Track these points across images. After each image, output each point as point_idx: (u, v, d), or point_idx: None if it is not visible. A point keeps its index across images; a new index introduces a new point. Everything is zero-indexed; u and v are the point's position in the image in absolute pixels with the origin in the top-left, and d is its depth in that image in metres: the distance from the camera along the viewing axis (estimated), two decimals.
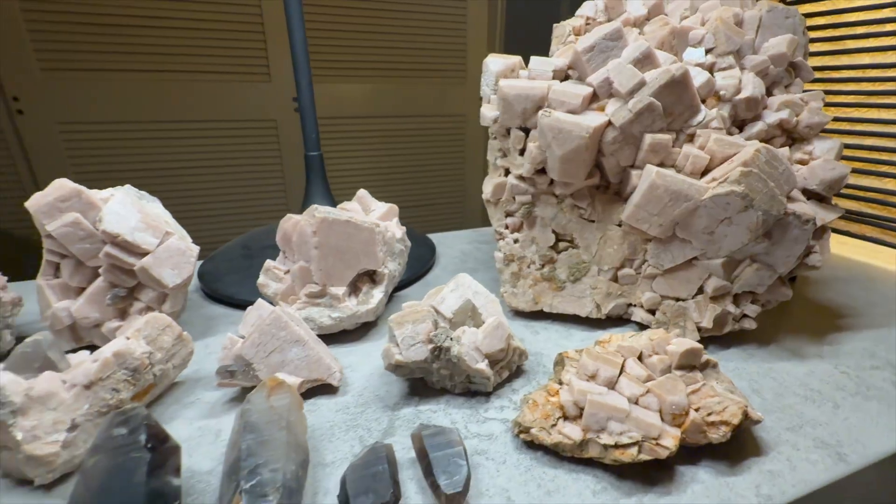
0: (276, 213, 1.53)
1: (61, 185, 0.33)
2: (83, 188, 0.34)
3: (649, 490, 0.24)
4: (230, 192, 1.46)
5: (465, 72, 1.70)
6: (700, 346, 0.29)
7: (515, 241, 0.42)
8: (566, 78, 0.40)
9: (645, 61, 0.36)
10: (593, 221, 0.40)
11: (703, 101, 0.37)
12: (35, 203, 0.32)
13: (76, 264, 0.35)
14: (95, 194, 0.34)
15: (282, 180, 1.54)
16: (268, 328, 0.31)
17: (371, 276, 0.40)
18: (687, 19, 0.41)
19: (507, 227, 0.43)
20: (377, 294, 0.39)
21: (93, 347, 0.36)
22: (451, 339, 0.30)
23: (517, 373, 0.34)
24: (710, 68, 0.38)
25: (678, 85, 0.35)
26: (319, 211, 0.37)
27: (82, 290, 0.36)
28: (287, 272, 0.39)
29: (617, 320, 0.42)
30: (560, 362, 0.31)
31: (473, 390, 0.32)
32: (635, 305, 0.40)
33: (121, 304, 0.36)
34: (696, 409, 0.26)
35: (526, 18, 2.18)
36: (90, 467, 0.20)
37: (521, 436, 0.27)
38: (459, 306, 0.32)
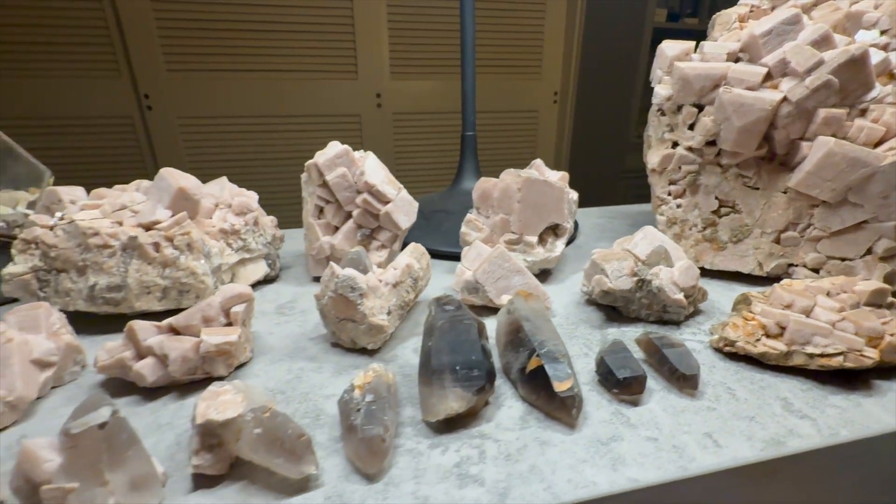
0: None
1: (336, 146, 0.43)
2: (349, 148, 0.44)
3: (852, 392, 0.29)
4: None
5: (540, 68, 1.73)
6: (887, 286, 0.33)
7: (678, 206, 0.48)
8: (737, 60, 0.45)
9: (822, 42, 0.41)
10: (757, 189, 0.45)
11: (877, 79, 0.41)
12: (319, 159, 0.43)
13: (337, 208, 0.45)
14: (354, 154, 0.44)
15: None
16: (496, 260, 0.40)
17: (554, 230, 0.47)
18: (857, 4, 0.44)
19: (669, 194, 0.48)
20: (559, 245, 0.46)
21: None
22: (652, 274, 0.37)
23: (696, 312, 0.40)
24: (884, 48, 0.42)
25: (856, 64, 0.39)
26: (523, 172, 0.44)
27: (336, 229, 0.46)
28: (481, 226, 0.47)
29: (775, 279, 0.46)
30: (744, 300, 0.36)
31: (666, 319, 0.38)
32: (797, 265, 0.44)
33: (365, 242, 0.46)
34: (892, 335, 0.31)
35: (607, 15, 2.17)
36: (440, 327, 0.29)
37: (726, 348, 0.33)
38: (653, 250, 0.39)
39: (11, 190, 0.46)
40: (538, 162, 0.52)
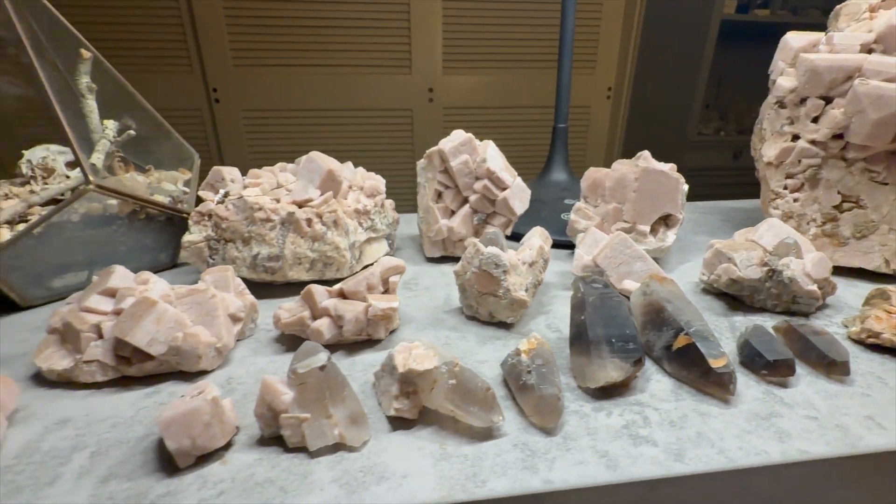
0: (406, 192, 1.67)
1: (461, 134, 0.46)
2: (472, 136, 0.46)
3: None
4: (370, 170, 1.64)
5: (595, 62, 1.70)
6: None
7: (795, 200, 0.47)
8: (870, 51, 0.43)
9: None
10: (886, 184, 0.44)
11: None
12: (445, 145, 0.46)
13: (456, 193, 0.48)
14: (476, 142, 0.47)
15: (411, 164, 1.68)
16: (617, 245, 0.41)
17: (665, 220, 0.48)
18: None
19: (786, 188, 0.48)
20: (671, 235, 0.47)
21: (457, 259, 0.49)
22: (783, 264, 0.37)
23: (823, 305, 0.40)
24: None
25: None
26: (640, 162, 0.46)
27: (453, 213, 0.49)
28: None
29: None
30: (880, 295, 0.36)
31: (794, 311, 0.38)
32: None
33: (480, 226, 0.48)
34: None
35: (670, 6, 2.09)
36: (591, 303, 0.31)
37: (869, 340, 0.33)
38: (782, 241, 0.39)
39: (162, 170, 0.52)
40: (646, 153, 0.52)
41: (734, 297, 0.41)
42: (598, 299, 0.31)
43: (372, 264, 0.49)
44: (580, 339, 0.30)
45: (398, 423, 0.26)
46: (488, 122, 1.70)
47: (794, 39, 0.46)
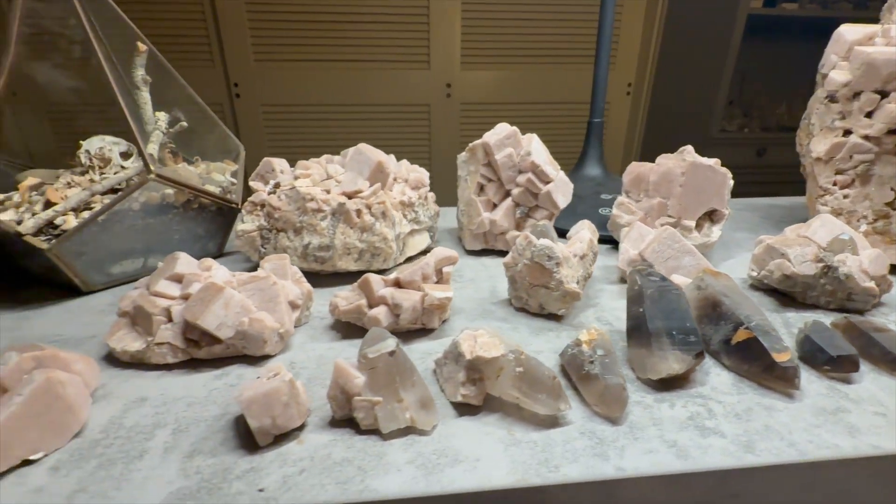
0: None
1: (505, 127, 0.46)
2: (517, 129, 0.46)
3: None
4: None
5: (615, 57, 1.67)
6: None
7: (845, 196, 0.46)
8: None
9: None
10: None
11: None
12: (490, 139, 0.46)
13: (498, 186, 0.48)
14: (520, 136, 0.47)
15: (428, 159, 1.68)
16: (665, 240, 0.41)
17: (710, 216, 0.47)
18: None
19: (835, 184, 0.47)
20: (716, 230, 0.47)
21: (498, 252, 0.50)
22: (838, 261, 0.37)
23: (878, 303, 0.39)
24: None
25: None
26: (687, 156, 0.45)
27: (494, 206, 0.49)
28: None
29: None
30: None
31: (849, 308, 0.38)
32: None
33: (522, 220, 0.48)
34: None
35: (690, 4, 2.05)
36: (650, 295, 0.31)
37: None
38: (836, 237, 0.38)
39: (208, 161, 0.53)
40: (689, 148, 0.52)
41: (784, 294, 0.40)
42: (656, 292, 0.31)
43: (414, 256, 0.49)
44: (639, 331, 0.30)
45: (463, 409, 0.27)
46: (506, 118, 1.69)
47: (848, 32, 0.45)
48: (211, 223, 0.47)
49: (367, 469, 0.23)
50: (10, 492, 0.21)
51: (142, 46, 0.45)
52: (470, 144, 0.48)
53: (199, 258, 0.48)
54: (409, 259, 0.49)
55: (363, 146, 0.43)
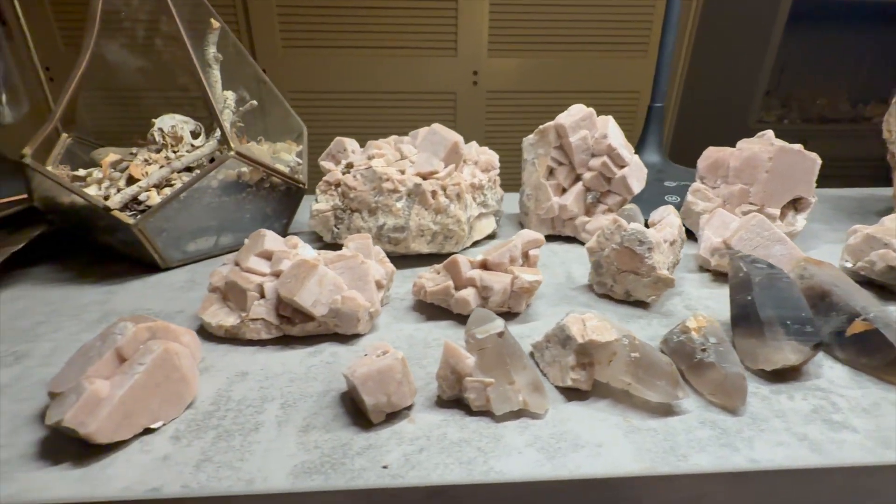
0: None
1: (581, 108, 0.45)
2: (593, 111, 0.45)
3: None
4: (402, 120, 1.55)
5: (647, 45, 1.61)
6: None
7: None
8: None
9: None
10: None
11: None
12: (565, 120, 0.44)
13: (570, 170, 0.47)
14: (595, 117, 0.46)
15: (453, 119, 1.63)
16: (754, 227, 0.39)
17: (794, 204, 0.45)
18: None
19: None
20: (801, 219, 0.44)
21: (566, 238, 0.49)
22: None
23: None
24: None
25: None
26: (775, 140, 0.43)
27: (564, 190, 0.48)
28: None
29: None
30: None
31: None
32: None
33: (592, 205, 0.47)
34: None
35: None
36: (759, 283, 0.29)
37: None
38: None
39: (270, 142, 0.53)
40: (769, 133, 0.49)
41: (883, 287, 0.38)
42: (766, 279, 0.30)
43: (481, 241, 0.49)
44: (747, 319, 0.29)
45: (570, 393, 0.26)
46: (533, 106, 1.66)
47: None
48: (279, 203, 0.46)
49: (486, 450, 0.22)
50: (138, 459, 0.22)
51: (215, 23, 0.45)
52: (540, 126, 0.47)
53: None
54: (476, 243, 0.48)
55: (437, 126, 0.43)
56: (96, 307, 0.35)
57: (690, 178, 0.62)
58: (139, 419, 0.23)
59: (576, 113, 0.45)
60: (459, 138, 0.42)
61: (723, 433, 0.23)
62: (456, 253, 0.44)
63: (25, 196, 0.48)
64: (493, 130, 1.72)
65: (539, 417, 0.24)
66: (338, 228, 0.42)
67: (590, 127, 0.45)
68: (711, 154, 0.47)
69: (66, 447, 0.22)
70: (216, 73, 0.46)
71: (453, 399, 0.25)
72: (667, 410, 0.25)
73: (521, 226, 0.54)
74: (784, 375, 0.28)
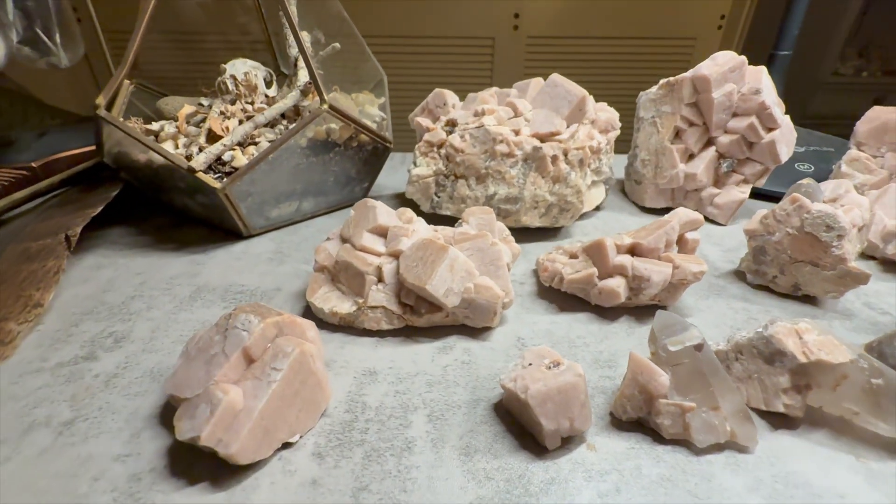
0: None
1: (731, 56, 0.37)
2: (745, 60, 0.37)
3: None
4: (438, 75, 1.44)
5: None
6: None
7: None
8: None
9: None
10: None
11: None
12: (708, 70, 0.37)
13: (703, 132, 0.40)
14: (747, 67, 0.38)
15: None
16: None
17: None
18: None
19: None
20: None
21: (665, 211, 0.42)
22: None
23: None
24: None
25: None
26: None
27: (691, 156, 0.41)
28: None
29: None
30: None
31: None
32: None
33: (727, 175, 0.40)
34: None
35: None
36: None
37: None
38: None
39: (357, 93, 0.47)
40: None
41: None
42: None
43: (588, 213, 0.43)
44: None
45: (775, 419, 0.22)
46: (577, 55, 1.50)
47: None
48: (364, 164, 0.41)
49: (700, 496, 0.18)
50: (283, 483, 0.18)
51: None
52: (669, 79, 0.39)
53: (347, 205, 0.43)
54: (582, 216, 0.42)
55: (557, 77, 0.36)
56: (186, 280, 0.32)
57: (819, 144, 0.53)
58: (278, 433, 0.19)
59: (724, 62, 0.37)
60: (586, 93, 0.36)
61: None
62: (562, 231, 0.39)
63: (93, 149, 0.44)
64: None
65: (748, 451, 0.20)
66: (438, 197, 0.36)
67: (738, 80, 0.37)
68: (878, 115, 0.39)
69: (199, 460, 0.19)
70: (293, 9, 0.40)
71: (633, 421, 0.21)
72: None
73: (626, 195, 0.47)
74: None
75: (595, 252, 0.28)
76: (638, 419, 0.21)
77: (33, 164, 0.43)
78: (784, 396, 0.21)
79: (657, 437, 0.20)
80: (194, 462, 0.19)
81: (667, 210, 0.44)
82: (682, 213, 0.29)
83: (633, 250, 0.28)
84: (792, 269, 0.30)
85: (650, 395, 0.20)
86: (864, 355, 0.20)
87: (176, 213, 0.40)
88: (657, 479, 0.19)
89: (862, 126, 0.40)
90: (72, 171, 0.42)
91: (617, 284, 0.27)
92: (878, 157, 0.40)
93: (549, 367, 0.20)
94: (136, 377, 0.23)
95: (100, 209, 0.33)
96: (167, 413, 0.21)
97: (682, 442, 0.20)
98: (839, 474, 0.19)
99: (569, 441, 0.20)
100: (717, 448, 0.20)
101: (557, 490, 0.18)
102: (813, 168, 0.48)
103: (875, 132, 0.39)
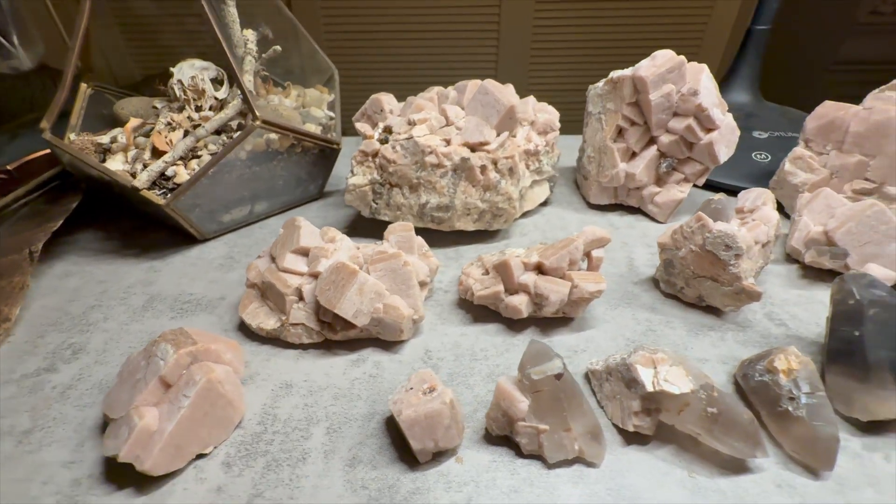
0: None
1: (669, 56, 0.36)
2: (684, 60, 0.36)
3: None
4: (442, 62, 1.18)
5: None
6: None
7: None
8: None
9: None
10: None
11: None
12: (645, 72, 0.36)
13: (643, 131, 0.40)
14: (686, 67, 0.37)
15: (494, 61, 1.28)
16: (868, 219, 0.32)
17: None
18: None
19: None
20: None
21: (628, 209, 0.43)
22: None
23: None
24: None
25: None
26: None
27: (633, 155, 0.41)
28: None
29: None
30: None
31: None
32: None
33: (667, 174, 0.40)
34: None
35: None
36: (872, 316, 0.25)
37: None
38: None
39: (299, 86, 0.47)
40: None
41: None
42: (882, 312, 0.25)
43: (532, 211, 0.44)
44: (849, 357, 0.25)
45: (630, 435, 0.24)
46: (588, 19, 1.33)
47: None
48: (313, 166, 0.43)
49: None
50: (195, 489, 0.22)
51: None
52: (613, 74, 0.39)
53: (301, 202, 0.45)
54: (526, 214, 0.43)
55: (490, 84, 0.36)
56: (141, 289, 0.35)
57: (786, 128, 0.52)
58: (190, 447, 0.23)
59: (662, 63, 0.36)
60: (516, 100, 0.36)
61: (801, 502, 0.21)
62: (503, 230, 0.41)
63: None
64: (536, 67, 1.29)
65: (594, 466, 0.23)
66: (376, 204, 0.38)
67: (677, 80, 0.37)
68: (828, 111, 0.38)
69: (129, 468, 0.23)
70: (232, 10, 0.40)
71: (502, 436, 0.24)
72: (738, 466, 0.23)
73: (577, 186, 0.48)
74: (880, 427, 0.24)
75: (502, 270, 0.30)
76: (506, 435, 0.24)
77: (8, 167, 0.46)
78: (635, 418, 0.23)
79: (519, 451, 0.23)
80: (124, 470, 0.23)
81: (611, 207, 0.45)
82: (589, 232, 0.30)
83: (540, 268, 0.30)
84: (695, 283, 0.31)
85: (511, 418, 0.23)
86: (705, 385, 0.22)
87: (137, 216, 0.43)
88: (507, 490, 0.22)
89: (811, 122, 0.39)
90: (51, 173, 0.44)
91: (520, 301, 0.30)
92: (824, 154, 0.39)
93: (425, 393, 0.23)
94: (86, 388, 0.27)
95: (59, 223, 0.36)
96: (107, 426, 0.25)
97: (539, 457, 0.23)
98: (669, 488, 0.22)
99: (441, 454, 0.23)
100: (567, 463, 0.23)
101: (419, 499, 0.22)
102: (769, 158, 0.48)
103: (822, 129, 0.39)
